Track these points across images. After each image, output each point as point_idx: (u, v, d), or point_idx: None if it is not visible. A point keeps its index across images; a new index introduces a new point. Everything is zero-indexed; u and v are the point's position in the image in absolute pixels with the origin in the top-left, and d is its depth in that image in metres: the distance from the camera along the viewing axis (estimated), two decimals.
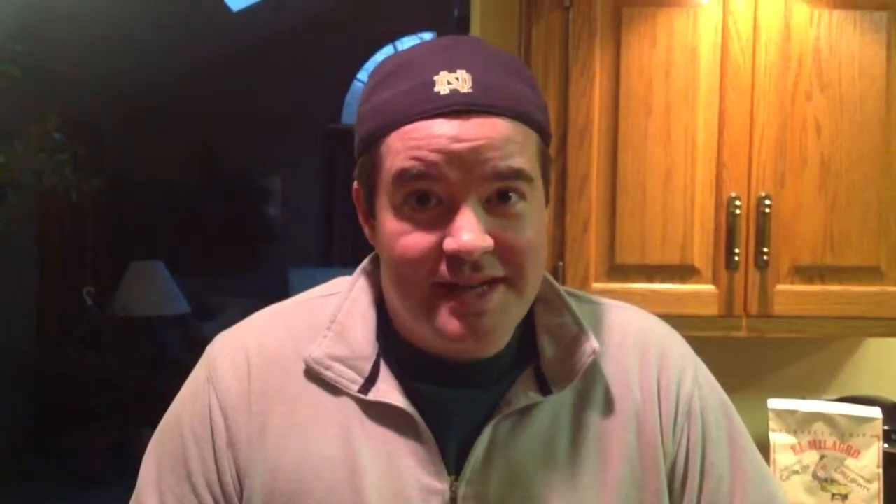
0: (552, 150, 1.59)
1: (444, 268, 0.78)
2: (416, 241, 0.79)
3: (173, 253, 6.27)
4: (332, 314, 0.91)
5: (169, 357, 5.69)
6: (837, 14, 1.61)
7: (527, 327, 0.91)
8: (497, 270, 0.79)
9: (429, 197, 0.78)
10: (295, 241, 7.91)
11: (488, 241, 0.77)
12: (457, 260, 0.77)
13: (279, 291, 1.00)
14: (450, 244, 0.77)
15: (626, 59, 1.62)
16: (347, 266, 1.00)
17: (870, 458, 1.59)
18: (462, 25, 2.22)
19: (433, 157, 0.76)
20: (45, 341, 5.80)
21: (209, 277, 6.99)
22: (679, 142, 1.62)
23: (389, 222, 0.81)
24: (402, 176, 0.78)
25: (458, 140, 0.76)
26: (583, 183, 1.63)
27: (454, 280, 0.78)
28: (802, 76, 1.62)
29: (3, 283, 5.11)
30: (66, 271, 6.07)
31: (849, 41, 1.61)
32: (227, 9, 6.18)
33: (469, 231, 0.76)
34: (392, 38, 7.32)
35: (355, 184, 0.89)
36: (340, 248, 7.73)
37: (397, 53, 0.86)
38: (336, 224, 7.86)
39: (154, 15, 5.56)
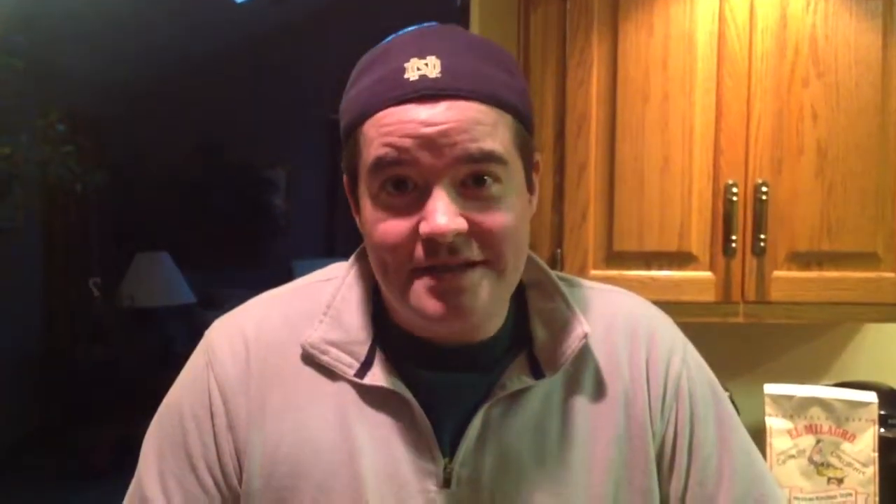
0: (550, 139, 1.62)
1: (420, 252, 0.80)
2: (392, 227, 0.80)
3: (179, 244, 6.29)
4: (328, 299, 0.93)
5: (175, 349, 5.72)
6: (834, 1, 1.62)
7: (520, 313, 0.93)
8: (474, 253, 0.80)
9: (405, 182, 0.80)
10: (299, 233, 7.92)
11: (460, 223, 0.78)
12: (432, 243, 0.78)
13: (284, 282, 1.02)
14: (423, 227, 0.78)
15: (623, 47, 1.63)
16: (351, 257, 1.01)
17: (865, 443, 1.60)
18: (462, 17, 2.22)
19: (404, 142, 0.78)
20: (52, 333, 5.82)
21: (214, 269, 7.01)
22: (676, 130, 1.63)
23: (368, 210, 0.83)
24: (378, 164, 0.79)
25: (428, 124, 0.77)
26: (581, 171, 1.64)
27: (430, 263, 0.80)
28: (799, 64, 1.62)
29: (8, 275, 5.14)
30: (72, 263, 6.09)
31: (845, 28, 1.62)
32: (230, 1, 6.18)
33: (442, 214, 0.77)
34: (395, 29, 7.29)
35: (345, 176, 0.91)
36: (344, 239, 7.74)
37: (373, 48, 0.87)
38: (340, 215, 7.87)
39: (158, 7, 5.56)
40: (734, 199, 1.61)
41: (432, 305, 0.81)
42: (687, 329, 1.01)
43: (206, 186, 7.57)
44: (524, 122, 0.86)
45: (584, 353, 0.92)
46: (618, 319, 0.97)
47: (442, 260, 0.79)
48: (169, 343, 5.78)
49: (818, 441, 1.62)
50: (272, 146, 7.61)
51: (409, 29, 0.87)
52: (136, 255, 5.77)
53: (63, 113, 4.31)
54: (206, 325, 0.98)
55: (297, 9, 6.97)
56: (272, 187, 8.03)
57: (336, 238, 7.93)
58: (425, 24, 0.86)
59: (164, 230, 6.74)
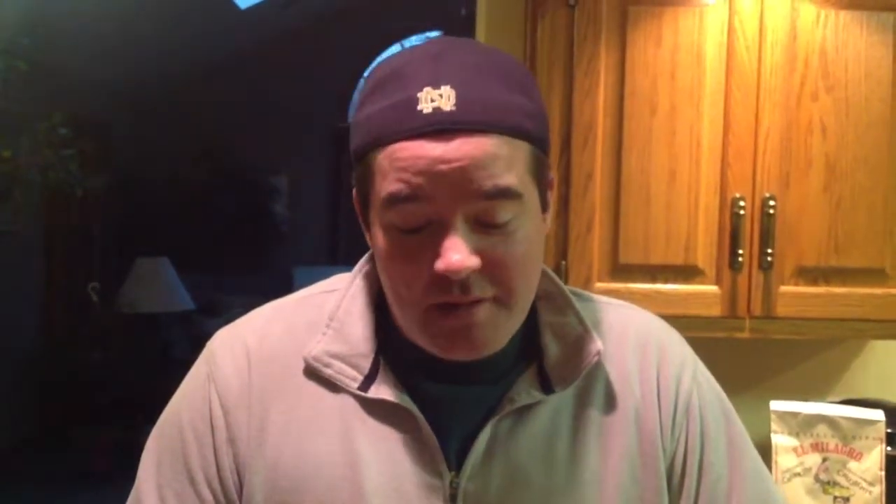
0: (556, 149, 1.60)
1: (434, 288, 0.79)
2: (405, 262, 0.80)
3: (179, 250, 6.28)
4: (331, 311, 0.91)
5: (174, 355, 5.70)
6: (844, 15, 1.61)
7: (530, 325, 0.91)
8: (486, 291, 0.79)
9: (418, 217, 0.78)
10: (301, 240, 7.92)
11: (475, 261, 0.77)
12: (446, 280, 0.77)
13: (284, 290, 1.00)
14: (438, 265, 0.77)
15: (631, 58, 1.62)
16: (353, 265, 1.00)
17: (872, 461, 1.58)
18: (469, 24, 2.21)
19: (418, 179, 0.76)
20: (51, 338, 5.81)
21: (215, 275, 7.00)
22: (684, 142, 1.61)
23: (381, 239, 0.82)
24: (391, 199, 0.78)
25: (443, 161, 0.75)
26: (587, 182, 1.62)
27: (444, 300, 0.78)
28: (808, 77, 1.61)
29: (8, 279, 5.13)
30: (72, 267, 6.08)
31: (855, 42, 1.61)
32: (235, 7, 6.19)
33: (456, 252, 0.76)
34: (400, 36, 7.31)
35: (354, 191, 0.89)
36: (347, 246, 7.74)
37: (385, 62, 0.84)
38: (342, 222, 7.87)
39: (162, 12, 5.57)
40: (741, 212, 1.60)
41: (442, 343, 0.81)
42: (692, 343, 1.00)
43: (209, 192, 7.56)
44: (541, 146, 0.84)
45: (595, 368, 0.90)
46: (629, 335, 0.95)
47: (455, 298, 0.78)
48: (168, 349, 5.77)
49: (824, 459, 1.60)
50: (275, 152, 7.61)
51: (423, 43, 0.84)
52: (137, 261, 5.76)
53: (66, 117, 4.30)
54: (206, 331, 0.96)
55: (301, 16, 6.99)
56: (274, 194, 8.03)
57: (338, 245, 7.93)
58: (438, 38, 0.84)
59: (166, 235, 6.73)
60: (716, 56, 1.61)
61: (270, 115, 7.33)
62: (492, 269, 0.79)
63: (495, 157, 0.77)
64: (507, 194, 0.78)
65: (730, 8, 1.60)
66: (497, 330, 0.82)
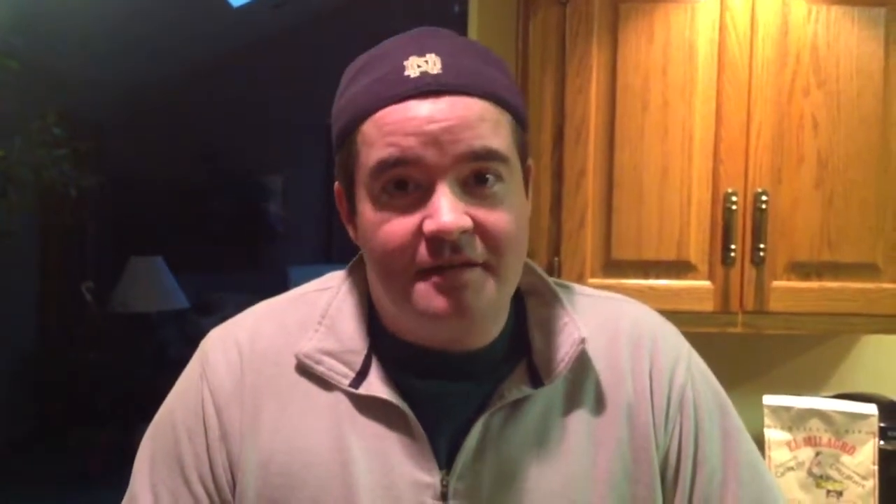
0: (549, 145, 1.61)
1: (424, 251, 0.78)
2: (396, 227, 0.79)
3: (173, 249, 6.27)
4: (323, 309, 0.91)
5: (169, 354, 5.69)
6: (835, 10, 1.61)
7: (519, 321, 0.91)
8: (476, 254, 0.78)
9: (406, 182, 0.78)
10: (296, 239, 7.91)
11: (466, 221, 0.77)
12: (437, 241, 0.77)
13: (279, 289, 1.00)
14: (429, 225, 0.76)
15: (623, 54, 1.62)
16: (347, 264, 1.01)
17: (865, 455, 1.58)
18: (461, 21, 2.21)
19: (408, 140, 0.76)
20: (46, 337, 5.80)
21: (209, 274, 6.99)
22: (676, 138, 1.61)
23: (369, 213, 0.81)
24: (381, 165, 0.78)
25: (432, 121, 0.76)
26: (579, 178, 1.63)
27: (435, 262, 0.78)
28: (800, 72, 1.61)
29: (2, 278, 5.11)
30: (67, 267, 6.07)
31: (846, 37, 1.61)
32: (227, 5, 6.17)
33: (448, 211, 0.76)
34: (393, 34, 7.28)
35: (336, 185, 0.89)
36: (341, 245, 7.73)
37: (363, 54, 0.86)
38: (337, 221, 7.83)
39: (154, 10, 5.55)
40: (733, 207, 1.60)
41: (437, 302, 0.79)
42: (685, 338, 1.00)
43: (203, 191, 7.55)
44: (521, 123, 0.85)
45: (585, 362, 0.90)
46: (621, 328, 0.94)
47: (446, 259, 0.77)
48: (163, 348, 5.76)
49: (817, 453, 1.60)
50: (269, 152, 7.59)
51: (400, 34, 0.85)
52: (131, 259, 5.75)
53: (59, 116, 4.29)
54: (201, 330, 0.96)
55: (293, 14, 6.97)
56: (269, 193, 8.02)
57: (332, 244, 7.91)
58: (417, 28, 0.86)
59: (161, 235, 6.72)
60: (707, 52, 1.61)
61: (264, 114, 7.31)
62: (483, 232, 0.79)
63: (482, 118, 0.78)
64: (495, 156, 0.79)
65: (721, 4, 1.61)
66: (486, 295, 0.80)
